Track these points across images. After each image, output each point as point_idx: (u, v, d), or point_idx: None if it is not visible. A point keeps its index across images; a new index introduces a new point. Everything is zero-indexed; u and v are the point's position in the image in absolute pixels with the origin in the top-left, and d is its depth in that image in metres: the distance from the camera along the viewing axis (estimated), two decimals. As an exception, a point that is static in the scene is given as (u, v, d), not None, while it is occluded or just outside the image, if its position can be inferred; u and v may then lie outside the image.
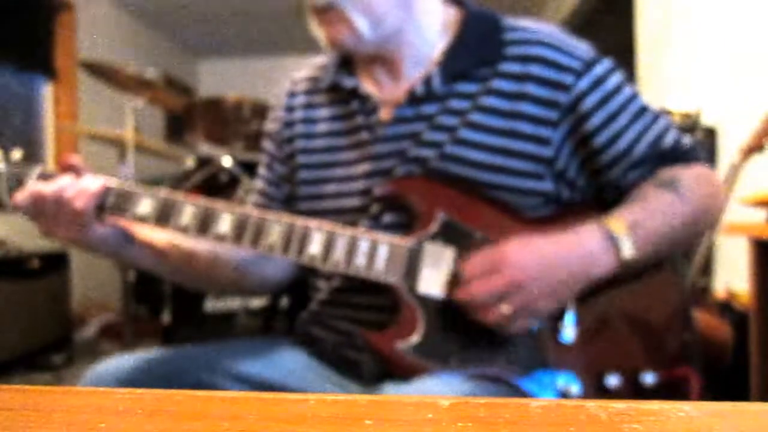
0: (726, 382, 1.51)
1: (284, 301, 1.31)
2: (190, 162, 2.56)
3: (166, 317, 2.37)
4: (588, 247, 0.78)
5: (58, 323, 3.08)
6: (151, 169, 3.31)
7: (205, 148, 3.26)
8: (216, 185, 2.43)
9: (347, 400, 0.30)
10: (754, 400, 1.39)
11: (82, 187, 0.82)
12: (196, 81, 5.74)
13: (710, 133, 2.13)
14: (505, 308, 0.76)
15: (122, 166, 2.55)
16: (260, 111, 2.60)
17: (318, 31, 0.89)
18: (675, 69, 2.65)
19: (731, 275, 1.95)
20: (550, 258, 0.77)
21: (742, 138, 1.63)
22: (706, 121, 2.12)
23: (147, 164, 3.17)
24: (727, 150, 2.02)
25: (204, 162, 2.51)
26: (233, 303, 2.39)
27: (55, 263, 3.04)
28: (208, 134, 2.88)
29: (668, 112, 2.02)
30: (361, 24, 0.86)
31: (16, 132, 3.60)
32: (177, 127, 3.93)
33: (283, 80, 1.06)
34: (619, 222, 0.80)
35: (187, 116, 2.78)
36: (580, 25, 3.88)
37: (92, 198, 0.82)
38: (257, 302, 2.24)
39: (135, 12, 4.61)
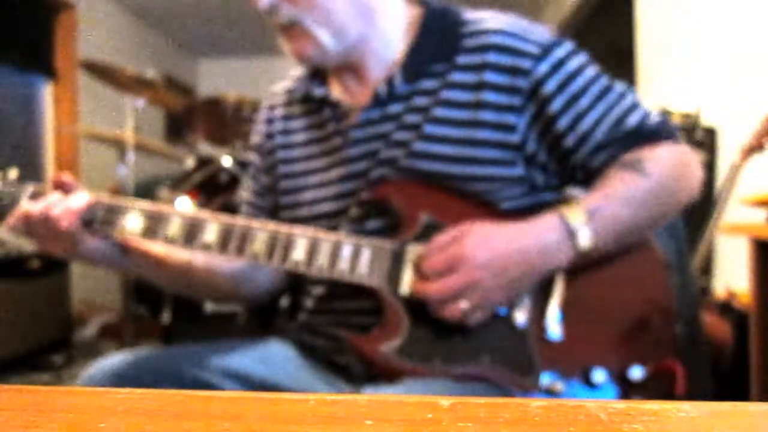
0: (726, 382, 1.51)
1: (284, 301, 1.31)
2: (190, 162, 2.56)
3: (166, 317, 2.37)
4: (545, 240, 0.79)
5: (58, 323, 3.08)
6: (151, 169, 3.31)
7: (205, 148, 3.26)
8: (216, 185, 2.43)
9: (347, 400, 0.30)
10: (754, 400, 1.39)
11: (67, 206, 0.83)
12: (196, 81, 5.74)
13: (710, 133, 2.12)
14: (463, 304, 0.77)
15: (122, 166, 2.55)
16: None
17: (285, 46, 0.92)
18: (675, 69, 2.65)
19: (731, 275, 1.95)
20: (508, 254, 0.78)
21: (742, 138, 1.63)
22: (706, 121, 2.12)
23: (147, 164, 3.17)
24: (727, 150, 2.02)
25: (204, 162, 2.51)
26: (233, 303, 2.38)
27: (55, 263, 3.04)
28: (208, 134, 2.88)
29: (668, 112, 2.02)
30: (324, 37, 0.88)
31: (15, 133, 3.60)
32: (177, 127, 3.93)
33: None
34: (577, 211, 0.80)
35: (187, 116, 2.78)
36: (580, 25, 3.88)
37: (77, 216, 0.84)
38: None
39: (135, 12, 4.61)
